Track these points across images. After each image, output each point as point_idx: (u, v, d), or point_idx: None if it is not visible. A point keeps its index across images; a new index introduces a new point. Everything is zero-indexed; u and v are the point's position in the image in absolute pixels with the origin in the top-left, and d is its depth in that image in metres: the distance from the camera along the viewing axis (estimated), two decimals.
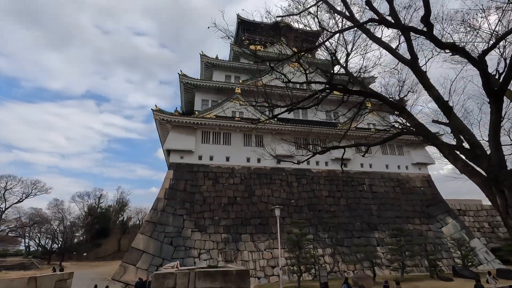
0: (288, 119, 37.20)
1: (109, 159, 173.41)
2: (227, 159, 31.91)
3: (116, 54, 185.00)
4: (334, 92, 41.13)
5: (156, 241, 25.03)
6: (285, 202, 30.93)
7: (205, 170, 30.73)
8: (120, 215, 73.37)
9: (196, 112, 32.99)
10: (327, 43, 9.89)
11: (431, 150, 40.55)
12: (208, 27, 9.82)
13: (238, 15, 51.05)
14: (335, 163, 35.11)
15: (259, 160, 32.79)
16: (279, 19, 10.82)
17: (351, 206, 32.64)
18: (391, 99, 11.78)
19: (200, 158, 31.17)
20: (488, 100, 8.30)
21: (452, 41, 6.59)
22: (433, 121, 8.62)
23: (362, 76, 12.53)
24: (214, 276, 12.65)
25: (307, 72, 10.19)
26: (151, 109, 30.37)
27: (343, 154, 12.27)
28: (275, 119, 35.66)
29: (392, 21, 6.61)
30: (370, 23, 7.40)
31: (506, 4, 6.20)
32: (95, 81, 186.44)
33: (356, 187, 34.34)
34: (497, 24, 6.29)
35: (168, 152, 31.36)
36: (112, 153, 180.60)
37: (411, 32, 6.72)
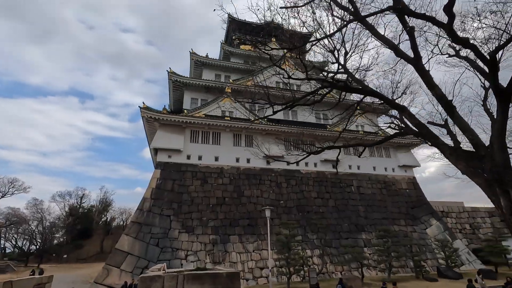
0: (278, 119, 37.16)
1: (91, 158, 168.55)
2: (216, 159, 31.45)
3: (101, 50, 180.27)
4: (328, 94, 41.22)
5: (142, 242, 24.27)
6: (274, 203, 30.75)
7: (193, 170, 30.15)
8: (103, 216, 71.21)
9: (185, 111, 32.36)
10: (325, 42, 9.69)
11: (417, 152, 41.55)
12: (214, 10, 9.43)
13: (229, 14, 50.56)
14: (324, 164, 35.34)
15: (248, 161, 32.53)
16: (282, 10, 10.55)
17: (339, 207, 32.86)
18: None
19: (188, 157, 30.56)
20: (482, 103, 8.39)
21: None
22: (429, 122, 8.62)
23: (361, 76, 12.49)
24: (203, 278, 12.26)
25: (306, 70, 10.01)
26: (139, 106, 29.55)
27: (338, 154, 12.23)
28: (265, 119, 35.53)
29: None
30: (376, 15, 7.26)
31: None
32: (79, 77, 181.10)
33: (344, 188, 34.61)
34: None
35: (155, 151, 30.58)
36: (95, 152, 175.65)
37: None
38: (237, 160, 32.19)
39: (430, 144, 7.13)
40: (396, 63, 9.11)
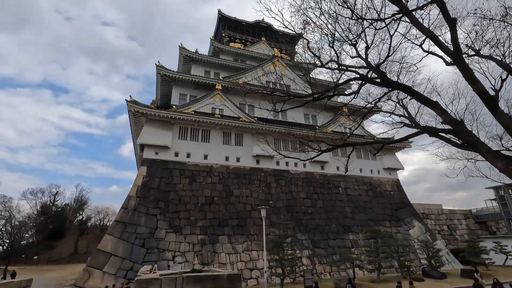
0: (267, 119, 36.88)
1: (64, 155, 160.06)
2: (205, 157, 30.58)
3: (78, 43, 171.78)
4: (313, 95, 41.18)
5: (126, 242, 22.99)
6: (264, 203, 30.29)
7: (181, 168, 29.11)
8: (78, 214, 67.64)
9: (174, 106, 31.25)
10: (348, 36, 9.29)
11: (400, 156, 42.68)
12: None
13: (219, 11, 49.92)
14: (313, 165, 35.43)
15: (238, 159, 31.95)
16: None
17: (327, 208, 33.03)
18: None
19: (176, 155, 29.49)
20: None
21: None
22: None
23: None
24: (203, 281, 11.61)
25: (340, 67, 9.55)
26: (126, 99, 28.11)
27: (351, 152, 11.89)
28: (255, 119, 35.12)
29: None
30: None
31: None
32: (53, 69, 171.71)
33: (332, 189, 34.87)
34: None
35: (141, 147, 29.24)
36: (68, 148, 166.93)
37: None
38: (227, 158, 31.50)
39: (463, 142, 6.99)
40: (422, 58, 8.83)
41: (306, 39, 10.14)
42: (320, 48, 10.79)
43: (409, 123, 10.38)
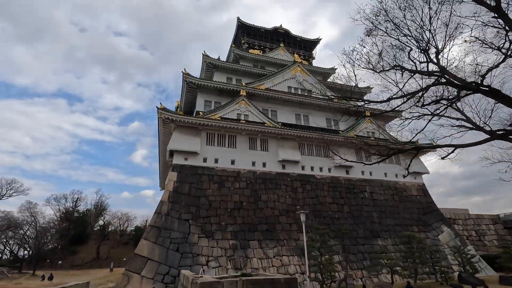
0: (290, 124, 37.08)
1: (77, 162, 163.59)
2: (232, 162, 30.88)
3: (92, 53, 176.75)
4: (334, 100, 40.95)
5: (162, 247, 23.32)
6: (291, 208, 30.37)
7: (209, 173, 29.46)
8: (99, 220, 68.77)
9: (201, 113, 31.76)
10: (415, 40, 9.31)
11: (424, 159, 42.01)
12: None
13: (238, 18, 50.72)
14: (338, 169, 35.30)
15: (264, 165, 32.13)
16: None
17: (354, 213, 32.74)
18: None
19: (205, 160, 29.88)
20: None
21: None
22: None
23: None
24: (261, 284, 11.74)
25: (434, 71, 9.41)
26: (156, 107, 28.78)
27: (414, 156, 11.80)
28: (280, 124, 35.33)
29: None
30: None
31: None
32: (68, 79, 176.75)
33: (358, 194, 34.57)
34: None
35: (171, 153, 29.76)
36: (81, 155, 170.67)
37: None
38: (253, 164, 31.71)
39: None
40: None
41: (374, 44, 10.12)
42: (379, 54, 10.64)
43: (471, 126, 10.32)
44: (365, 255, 28.98)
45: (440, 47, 8.65)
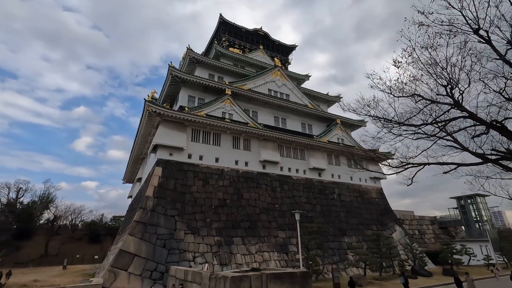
0: (270, 126, 38.64)
1: (6, 145, 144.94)
2: (217, 160, 31.29)
3: (33, 25, 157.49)
4: (309, 105, 43.52)
5: (148, 243, 22.95)
6: (270, 206, 31.94)
7: (194, 170, 29.50)
8: (44, 213, 62.46)
9: (186, 108, 31.48)
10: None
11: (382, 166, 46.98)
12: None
13: (220, 15, 50.58)
14: (312, 172, 37.89)
15: (246, 164, 33.16)
16: None
17: (325, 212, 35.59)
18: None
19: (189, 156, 29.81)
20: None
21: None
22: None
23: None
24: (282, 278, 12.96)
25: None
26: (144, 99, 27.81)
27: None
28: (261, 125, 36.63)
29: None
30: None
31: None
32: (1, 52, 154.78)
33: (328, 195, 37.58)
34: None
35: (154, 147, 29.06)
36: (11, 139, 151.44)
37: None
38: (236, 162, 32.51)
39: None
40: None
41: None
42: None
43: (459, 147, 12.73)
44: (334, 251, 31.90)
45: (460, 88, 10.30)
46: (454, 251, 33.23)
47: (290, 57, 58.44)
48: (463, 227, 51.31)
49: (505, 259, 38.81)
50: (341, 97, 51.18)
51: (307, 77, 53.28)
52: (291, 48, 57.70)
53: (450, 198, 51.46)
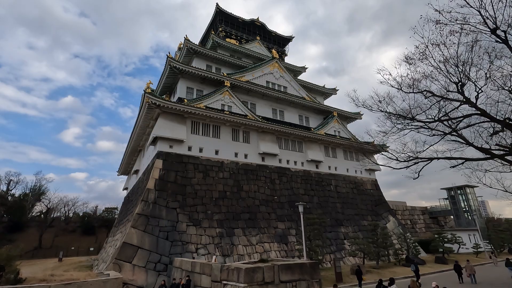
0: (268, 118, 38.70)
1: None
2: (217, 152, 31.28)
3: (17, 11, 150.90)
4: (307, 98, 43.84)
5: (151, 235, 23.02)
6: (269, 198, 32.32)
7: (194, 162, 29.46)
8: (36, 205, 61.39)
9: (185, 100, 31.16)
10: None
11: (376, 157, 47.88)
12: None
13: (217, 4, 49.64)
14: (310, 164, 38.35)
15: (246, 156, 33.27)
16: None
17: (322, 204, 36.27)
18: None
19: (189, 149, 29.69)
20: None
21: None
22: None
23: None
24: (292, 268, 13.31)
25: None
26: (144, 90, 27.36)
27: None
28: (260, 117, 36.64)
29: None
30: None
31: None
32: None
33: (325, 187, 38.23)
34: None
35: (153, 139, 28.80)
36: None
37: None
38: (236, 155, 32.58)
39: None
40: None
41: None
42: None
43: (463, 142, 13.17)
44: (331, 241, 32.71)
45: (475, 89, 10.57)
46: (446, 240, 34.54)
47: (286, 48, 58.16)
48: (452, 216, 53.19)
49: (492, 247, 40.60)
50: (337, 90, 51.55)
51: (303, 69, 53.24)
52: (288, 39, 57.32)
53: (441, 189, 53.16)
